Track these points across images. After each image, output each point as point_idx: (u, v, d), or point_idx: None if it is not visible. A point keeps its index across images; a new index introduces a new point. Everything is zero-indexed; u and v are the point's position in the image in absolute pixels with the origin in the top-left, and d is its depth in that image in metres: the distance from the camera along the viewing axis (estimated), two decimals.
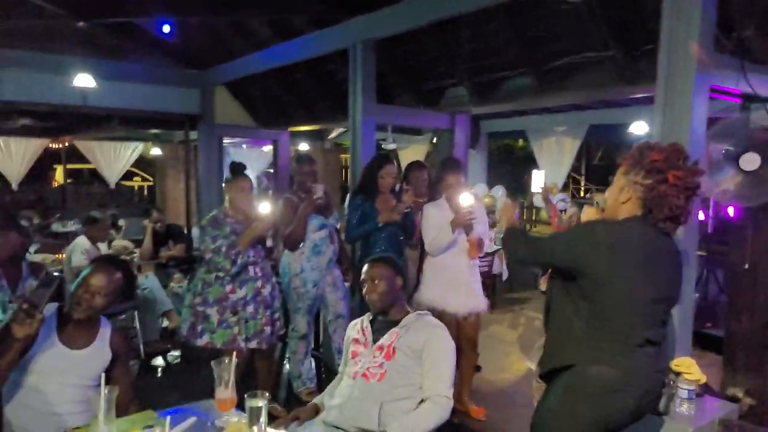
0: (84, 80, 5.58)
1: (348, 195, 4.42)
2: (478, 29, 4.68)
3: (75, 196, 12.46)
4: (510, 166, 14.02)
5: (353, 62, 4.77)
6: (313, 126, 8.09)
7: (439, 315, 3.58)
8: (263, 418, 1.79)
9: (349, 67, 4.83)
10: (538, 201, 9.13)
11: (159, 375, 4.65)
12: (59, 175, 15.31)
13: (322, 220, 3.86)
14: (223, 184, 3.78)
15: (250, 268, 3.40)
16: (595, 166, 17.23)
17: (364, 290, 2.43)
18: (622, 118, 7.37)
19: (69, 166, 16.11)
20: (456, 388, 3.78)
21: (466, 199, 3.42)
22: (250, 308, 3.39)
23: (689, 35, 2.77)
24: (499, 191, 9.19)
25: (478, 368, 4.73)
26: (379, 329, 2.41)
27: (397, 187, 4.01)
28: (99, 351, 2.23)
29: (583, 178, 16.96)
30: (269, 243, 3.50)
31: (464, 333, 3.71)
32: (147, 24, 7.19)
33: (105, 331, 2.29)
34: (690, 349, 3.58)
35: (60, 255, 5.30)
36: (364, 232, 3.86)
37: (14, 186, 11.12)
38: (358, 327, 2.49)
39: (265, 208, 3.26)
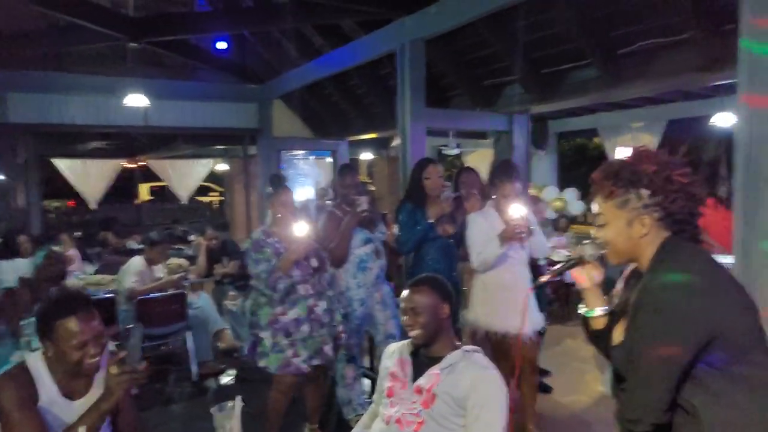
0: (136, 100, 5.66)
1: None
2: (537, 17, 4.27)
3: (150, 214, 12.99)
4: (584, 167, 13.22)
5: (401, 64, 4.52)
6: (371, 134, 7.91)
7: (492, 337, 3.23)
8: None
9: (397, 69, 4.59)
10: None
11: (212, 398, 4.52)
12: (144, 194, 16.12)
13: (367, 234, 3.62)
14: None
15: (299, 287, 3.20)
16: None
17: (403, 320, 2.10)
18: (705, 110, 6.68)
19: (151, 185, 16.94)
20: (519, 416, 3.42)
21: (516, 210, 3.02)
22: (305, 327, 3.19)
23: None
24: (572, 194, 8.63)
25: (548, 389, 4.30)
26: (420, 365, 2.08)
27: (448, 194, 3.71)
28: (100, 392, 1.93)
29: None
30: (314, 263, 3.25)
31: (522, 355, 3.31)
32: (204, 42, 7.32)
33: (101, 370, 1.99)
34: None
35: None
36: (418, 237, 3.57)
37: (93, 206, 11.68)
38: (396, 358, 2.16)
39: (300, 230, 3.04)
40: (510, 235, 3.06)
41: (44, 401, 1.83)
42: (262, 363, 3.19)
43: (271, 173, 5.15)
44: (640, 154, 1.46)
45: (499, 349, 3.18)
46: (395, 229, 3.84)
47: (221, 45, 7.23)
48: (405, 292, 2.13)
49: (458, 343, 2.13)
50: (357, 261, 3.58)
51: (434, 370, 2.01)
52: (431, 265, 3.53)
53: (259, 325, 3.19)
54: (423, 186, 3.61)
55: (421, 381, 2.01)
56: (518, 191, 3.21)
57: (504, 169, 3.28)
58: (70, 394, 1.89)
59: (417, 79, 4.49)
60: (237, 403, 1.66)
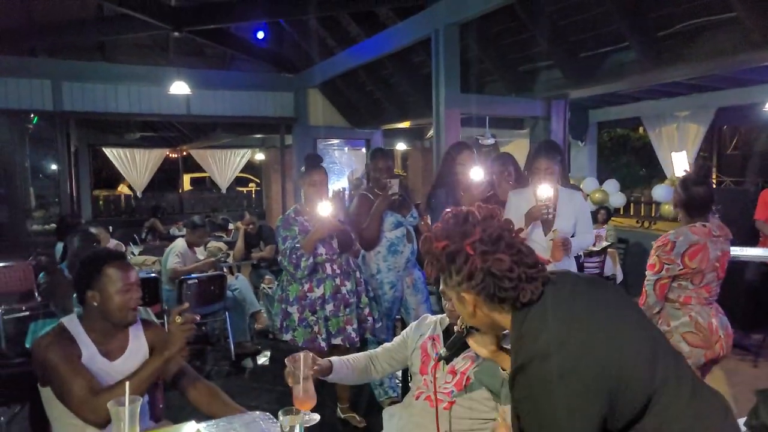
0: (180, 88, 5.83)
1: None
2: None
3: (191, 202, 13.36)
4: (626, 158, 12.85)
5: (435, 50, 4.52)
6: (405, 123, 7.90)
7: None
8: None
9: (431, 56, 4.58)
10: (657, 195, 8.20)
11: (248, 377, 4.65)
12: (186, 183, 16.59)
13: (399, 217, 3.62)
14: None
15: (327, 266, 3.26)
16: (729, 156, 15.33)
17: (446, 305, 2.07)
18: (756, 97, 6.37)
19: (193, 175, 17.40)
20: None
21: (544, 190, 2.98)
22: (330, 306, 3.25)
23: None
24: (612, 185, 8.43)
25: None
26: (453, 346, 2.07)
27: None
28: (137, 351, 2.04)
29: (715, 169, 15.15)
30: (335, 244, 3.29)
31: None
32: (243, 32, 7.45)
33: (136, 328, 2.08)
34: None
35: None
36: None
37: (139, 194, 12.10)
38: (430, 332, 2.15)
39: (324, 209, 3.08)
40: (535, 216, 3.03)
41: (86, 359, 1.89)
42: (288, 336, 3.25)
43: (306, 153, 5.19)
44: (437, 229, 1.33)
45: None
46: (428, 219, 3.82)
47: (261, 35, 7.35)
48: None
49: None
50: (388, 244, 3.60)
51: (470, 353, 1.98)
52: None
53: (287, 299, 3.26)
54: (456, 171, 3.60)
55: (456, 362, 1.99)
56: (554, 171, 3.10)
57: (542, 146, 3.21)
58: (107, 354, 1.95)
59: (451, 65, 4.47)
60: (307, 355, 1.80)
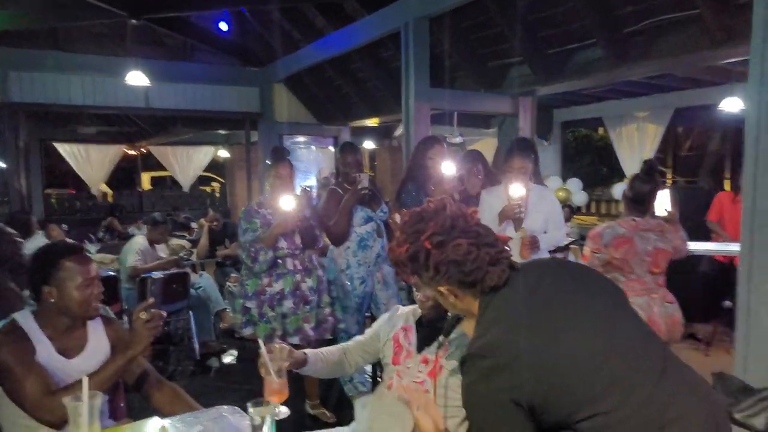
0: (137, 78, 5.59)
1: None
2: None
3: (151, 201, 12.95)
4: (589, 158, 13.13)
5: (405, 43, 4.48)
6: (374, 119, 7.82)
7: None
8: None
9: (401, 49, 4.53)
10: (618, 193, 8.39)
11: (214, 376, 4.52)
12: (145, 183, 16.11)
13: (369, 212, 3.58)
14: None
15: (288, 261, 3.19)
16: (684, 157, 15.83)
17: (416, 296, 2.02)
18: (712, 98, 6.52)
19: (153, 174, 16.91)
20: None
21: (516, 190, 2.99)
22: (289, 303, 3.19)
23: None
24: (575, 184, 8.58)
25: None
26: (425, 336, 2.01)
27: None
28: (97, 350, 1.92)
29: (670, 170, 15.61)
30: (297, 240, 3.22)
31: None
32: (205, 22, 7.24)
33: (95, 324, 1.97)
34: None
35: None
36: None
37: (94, 191, 11.65)
38: (402, 323, 2.10)
39: (287, 203, 3.01)
40: (508, 215, 3.03)
41: (41, 357, 1.77)
42: (249, 330, 3.19)
43: (273, 146, 5.06)
44: (398, 236, 1.42)
45: None
46: (397, 217, 3.78)
47: (223, 26, 7.15)
48: None
49: None
50: (358, 239, 3.56)
51: (442, 341, 1.93)
52: None
53: (246, 294, 3.19)
54: (427, 167, 3.56)
55: (428, 352, 1.95)
56: (528, 169, 3.11)
57: (516, 144, 3.22)
58: (64, 352, 1.83)
59: (421, 59, 4.44)
60: (282, 346, 1.81)
